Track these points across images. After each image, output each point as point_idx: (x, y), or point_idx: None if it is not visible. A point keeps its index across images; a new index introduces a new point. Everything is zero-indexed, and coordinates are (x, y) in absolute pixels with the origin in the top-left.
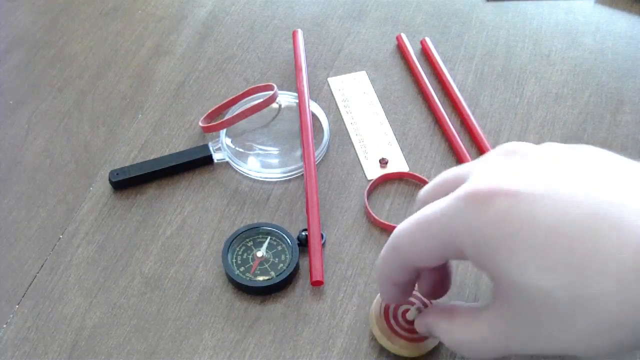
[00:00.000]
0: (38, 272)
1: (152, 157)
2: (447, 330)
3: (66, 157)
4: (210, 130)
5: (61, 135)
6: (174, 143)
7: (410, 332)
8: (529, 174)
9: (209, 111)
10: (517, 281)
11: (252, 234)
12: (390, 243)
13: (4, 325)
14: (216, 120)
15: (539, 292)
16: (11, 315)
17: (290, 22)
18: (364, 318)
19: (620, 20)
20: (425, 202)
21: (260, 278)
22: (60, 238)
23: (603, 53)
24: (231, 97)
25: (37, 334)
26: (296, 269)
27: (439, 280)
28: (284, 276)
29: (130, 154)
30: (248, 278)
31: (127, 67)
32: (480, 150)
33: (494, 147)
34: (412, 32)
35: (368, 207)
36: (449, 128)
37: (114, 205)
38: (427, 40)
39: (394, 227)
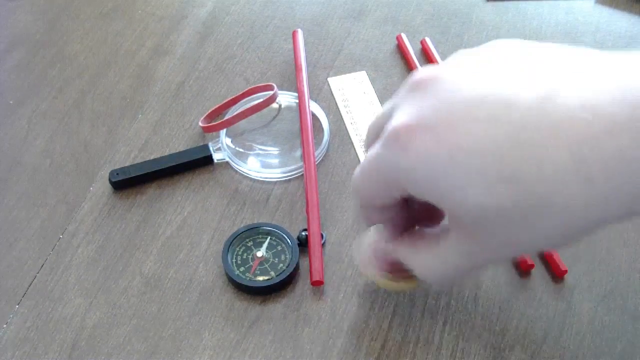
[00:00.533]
0: (38, 272)
1: (152, 157)
2: (412, 257)
3: (66, 157)
4: (210, 130)
5: (61, 135)
6: (174, 143)
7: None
8: (441, 100)
9: (209, 111)
10: (463, 206)
11: (252, 234)
12: (351, 187)
13: (4, 325)
14: (216, 120)
15: (489, 210)
16: (11, 315)
17: (290, 22)
18: (364, 318)
19: (620, 21)
20: (369, 146)
21: (260, 278)
22: (60, 238)
23: None
24: (231, 97)
25: (37, 334)
26: (296, 269)
27: (428, 207)
28: (283, 276)
29: (130, 154)
30: (248, 278)
31: (127, 67)
32: None
33: None
34: (412, 32)
35: None
36: None
37: (114, 205)
38: (427, 40)
39: None
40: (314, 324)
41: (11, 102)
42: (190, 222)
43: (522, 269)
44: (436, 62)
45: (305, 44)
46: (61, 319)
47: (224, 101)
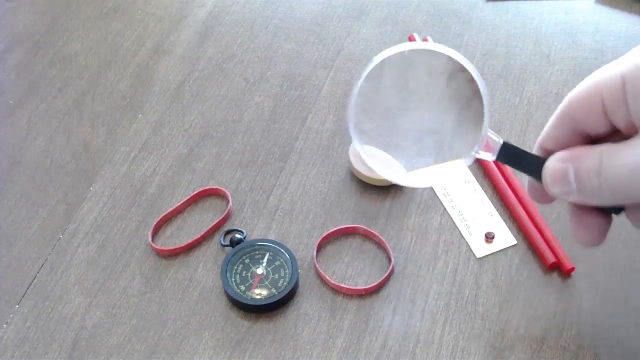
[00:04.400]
0: (38, 272)
1: (152, 157)
2: (600, 164)
3: (66, 157)
4: (166, 253)
5: (61, 135)
6: (174, 143)
7: None
8: None
9: (158, 219)
10: None
11: (249, 251)
12: (566, 105)
13: (4, 325)
14: (165, 227)
15: None
16: (11, 315)
17: (290, 22)
18: (364, 318)
19: (620, 20)
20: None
21: (261, 295)
22: (60, 238)
23: (603, 53)
24: (180, 203)
25: (37, 334)
26: (296, 284)
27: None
28: (285, 292)
29: (130, 153)
30: (249, 297)
31: (127, 67)
32: None
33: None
34: (412, 32)
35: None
36: None
37: (114, 205)
38: (429, 39)
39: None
40: (314, 324)
41: (11, 102)
42: (190, 221)
43: (563, 272)
44: None
45: (305, 43)
46: (61, 318)
47: (173, 208)
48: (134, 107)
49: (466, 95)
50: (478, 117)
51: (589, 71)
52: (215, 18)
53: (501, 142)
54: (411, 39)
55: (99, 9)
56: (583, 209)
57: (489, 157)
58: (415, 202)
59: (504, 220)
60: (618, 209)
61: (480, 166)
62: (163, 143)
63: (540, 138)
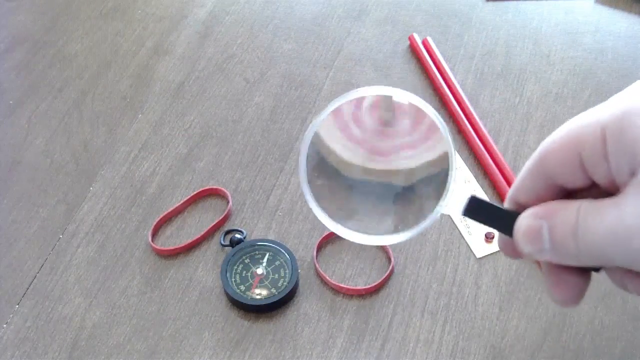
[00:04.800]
0: (38, 272)
1: (152, 157)
2: (576, 223)
3: (66, 157)
4: (165, 252)
5: (61, 135)
6: (174, 143)
7: None
8: None
9: (158, 219)
10: None
11: (249, 251)
12: (539, 156)
13: (4, 325)
14: (165, 226)
15: None
16: (11, 315)
17: (290, 22)
18: (364, 318)
19: (620, 21)
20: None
21: (261, 295)
22: (60, 238)
23: (603, 53)
24: (180, 203)
25: (37, 334)
26: (297, 284)
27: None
28: (285, 292)
29: (130, 153)
30: (249, 297)
31: (127, 67)
32: (489, 154)
33: (494, 147)
34: (412, 32)
35: None
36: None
37: (114, 205)
38: (429, 39)
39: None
40: (314, 324)
41: (11, 102)
42: (190, 221)
43: None
44: (439, 62)
45: (305, 43)
46: (61, 318)
47: (173, 207)
48: (134, 107)
49: (428, 142)
50: (443, 167)
51: (589, 71)
52: (215, 18)
53: (469, 196)
54: (411, 39)
55: (99, 9)
56: (559, 267)
57: (455, 212)
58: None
59: None
60: (598, 268)
61: (480, 166)
62: (163, 143)
63: (512, 189)
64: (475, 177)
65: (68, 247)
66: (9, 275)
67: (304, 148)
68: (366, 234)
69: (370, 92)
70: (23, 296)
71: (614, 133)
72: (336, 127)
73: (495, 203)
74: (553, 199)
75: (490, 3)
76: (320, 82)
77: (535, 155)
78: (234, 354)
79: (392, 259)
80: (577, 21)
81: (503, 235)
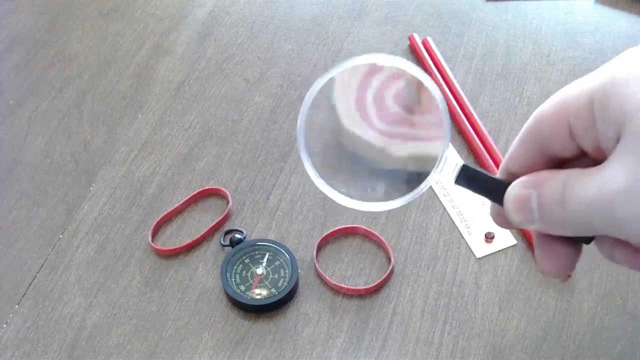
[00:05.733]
0: (38, 272)
1: (152, 157)
2: (563, 192)
3: (66, 157)
4: (165, 252)
5: (61, 135)
6: (174, 143)
7: None
8: None
9: (158, 219)
10: None
11: (249, 251)
12: (533, 120)
13: (4, 325)
14: (165, 227)
15: None
16: (11, 315)
17: (290, 22)
18: (364, 318)
19: (620, 21)
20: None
21: (261, 295)
22: (60, 238)
23: (603, 53)
24: (180, 203)
25: (37, 334)
26: (296, 284)
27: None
28: (285, 292)
29: (130, 154)
30: (249, 297)
31: (127, 67)
32: (489, 154)
33: (495, 147)
34: (412, 31)
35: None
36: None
37: (114, 205)
38: (429, 39)
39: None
40: (314, 324)
41: (11, 102)
42: (190, 221)
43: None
44: (439, 62)
45: (305, 43)
46: (61, 318)
47: (173, 207)
48: (134, 107)
49: (422, 112)
50: (437, 136)
51: (589, 71)
52: (215, 18)
53: (461, 164)
54: (411, 39)
55: (99, 9)
56: (550, 238)
57: (448, 180)
58: (415, 202)
59: None
60: (588, 239)
61: (480, 166)
62: (163, 143)
63: (505, 159)
64: None
65: (68, 247)
66: (9, 275)
67: (304, 109)
68: (360, 201)
69: (370, 60)
70: (23, 296)
71: (600, 100)
72: (342, 92)
73: (487, 173)
74: (544, 169)
75: (490, 3)
76: None
77: (527, 123)
78: (234, 354)
79: (392, 259)
80: (577, 21)
81: (495, 205)
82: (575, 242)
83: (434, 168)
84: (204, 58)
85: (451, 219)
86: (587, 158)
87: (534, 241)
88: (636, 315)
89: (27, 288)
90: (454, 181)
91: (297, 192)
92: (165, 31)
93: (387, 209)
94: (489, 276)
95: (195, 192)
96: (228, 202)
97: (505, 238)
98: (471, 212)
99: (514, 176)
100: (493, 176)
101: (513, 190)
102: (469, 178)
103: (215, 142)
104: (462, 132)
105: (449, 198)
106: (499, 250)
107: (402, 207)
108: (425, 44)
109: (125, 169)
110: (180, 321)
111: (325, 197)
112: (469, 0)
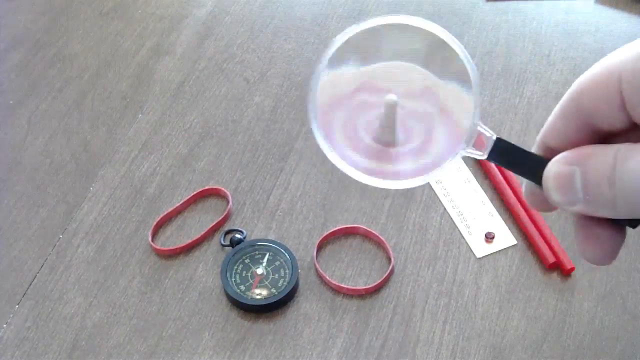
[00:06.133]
0: (38, 272)
1: (152, 157)
2: (614, 168)
3: (66, 157)
4: (165, 252)
5: (61, 135)
6: (174, 143)
7: None
8: None
9: (158, 219)
10: None
11: (249, 251)
12: (574, 91)
13: (4, 325)
14: (165, 226)
15: None
16: (11, 315)
17: (290, 22)
18: (364, 318)
19: (620, 21)
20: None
21: (261, 295)
22: (60, 238)
23: (603, 53)
24: (180, 203)
25: (37, 334)
26: (296, 284)
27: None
28: (285, 292)
29: (131, 154)
30: (249, 297)
31: (127, 67)
32: None
33: None
34: None
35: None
36: None
37: (114, 205)
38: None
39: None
40: (314, 324)
41: (11, 102)
42: (190, 221)
43: (563, 273)
44: None
45: (305, 43)
46: (61, 318)
47: (173, 208)
48: (134, 107)
49: (452, 80)
50: (466, 106)
51: None
52: (215, 18)
53: (494, 137)
54: None
55: (99, 9)
56: (592, 221)
57: (479, 155)
58: (415, 202)
59: (504, 220)
60: (635, 221)
61: (480, 166)
62: (163, 143)
63: (542, 132)
64: (475, 176)
65: (68, 247)
66: (9, 275)
67: (315, 83)
68: (383, 179)
69: (388, 20)
70: (23, 296)
71: None
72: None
73: (523, 147)
74: (587, 144)
75: (490, 3)
76: None
77: (569, 93)
78: (234, 354)
79: (392, 259)
80: (577, 21)
81: (530, 184)
82: (621, 225)
83: (464, 140)
84: (204, 58)
85: (451, 219)
86: (637, 132)
87: (575, 225)
88: (636, 315)
89: (27, 288)
90: (487, 156)
91: (297, 192)
92: (166, 31)
93: (411, 186)
94: (489, 276)
95: (195, 192)
96: (228, 202)
97: (505, 238)
98: (471, 212)
99: (552, 151)
100: (531, 152)
101: (554, 167)
102: (503, 153)
103: (215, 142)
104: None
105: (449, 198)
106: (499, 250)
107: (424, 184)
108: None
109: (126, 169)
110: (181, 321)
111: (325, 197)
112: (469, 0)
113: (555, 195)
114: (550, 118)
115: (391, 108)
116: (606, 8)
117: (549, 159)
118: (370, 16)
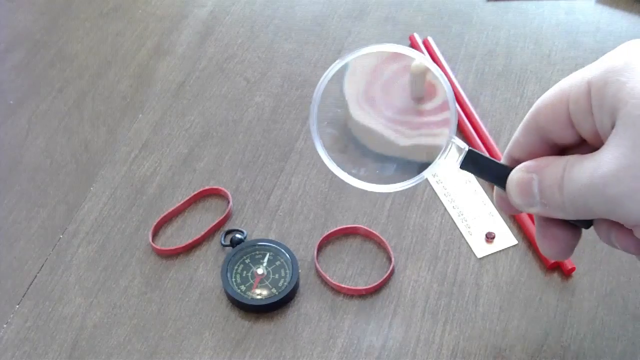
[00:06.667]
0: (38, 272)
1: (152, 157)
2: (562, 176)
3: (66, 157)
4: (166, 253)
5: (61, 135)
6: (175, 143)
7: None
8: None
9: (157, 220)
10: None
11: (249, 251)
12: (534, 111)
13: (4, 325)
14: (166, 227)
15: None
16: (11, 315)
17: (290, 22)
18: (364, 318)
19: (620, 21)
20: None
21: (262, 295)
22: (60, 238)
23: (604, 53)
24: (180, 203)
25: (37, 334)
26: (297, 284)
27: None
28: (285, 292)
29: (131, 153)
30: (250, 297)
31: (127, 67)
32: (490, 154)
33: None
34: (412, 31)
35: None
36: (468, 128)
37: (114, 205)
38: (430, 39)
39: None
40: (314, 324)
41: (11, 102)
42: (190, 221)
43: (565, 273)
44: (440, 62)
45: (306, 43)
46: (61, 319)
47: (174, 207)
48: (134, 107)
49: (430, 99)
50: (443, 122)
51: None
52: (216, 18)
53: (467, 149)
54: (412, 39)
55: (99, 9)
56: (550, 221)
57: (453, 165)
58: (415, 202)
59: (505, 220)
60: (587, 223)
61: None
62: (163, 143)
63: (509, 146)
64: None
65: (68, 247)
66: (9, 275)
67: (317, 95)
68: (370, 183)
69: (384, 49)
70: (23, 296)
71: (597, 88)
72: (352, 80)
73: (492, 158)
74: (546, 156)
75: (491, 3)
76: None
77: (529, 112)
78: (235, 354)
79: (393, 259)
80: (577, 21)
81: (499, 190)
82: (575, 227)
83: (440, 153)
84: (204, 58)
85: (452, 219)
86: (587, 145)
87: (535, 224)
88: (637, 315)
89: (27, 288)
90: (460, 166)
91: (298, 192)
92: (166, 31)
93: (393, 190)
94: (489, 276)
95: (195, 192)
96: (228, 202)
97: (506, 238)
98: (472, 212)
99: (517, 162)
100: (497, 161)
101: (516, 174)
102: (474, 163)
103: (215, 142)
104: (462, 132)
105: (449, 198)
106: (500, 251)
107: (410, 187)
108: (426, 44)
109: (126, 169)
110: (181, 321)
111: (326, 197)
112: (469, 0)
113: (516, 199)
114: (515, 133)
115: (420, 69)
116: (607, 8)
117: (512, 168)
118: (370, 16)
